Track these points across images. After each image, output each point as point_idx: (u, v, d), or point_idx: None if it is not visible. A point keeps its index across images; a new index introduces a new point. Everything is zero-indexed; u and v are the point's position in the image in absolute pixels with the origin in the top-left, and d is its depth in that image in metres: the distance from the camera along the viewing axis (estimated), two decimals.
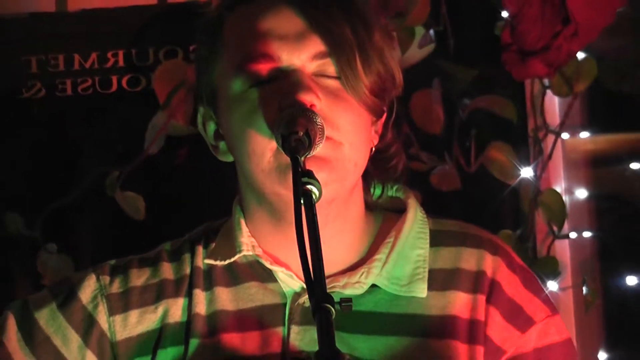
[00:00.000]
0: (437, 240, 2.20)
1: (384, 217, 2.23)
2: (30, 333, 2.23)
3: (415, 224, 2.20)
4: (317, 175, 1.88)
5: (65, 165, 3.56)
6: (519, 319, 2.14)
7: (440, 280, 2.14)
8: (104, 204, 3.33)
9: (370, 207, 2.22)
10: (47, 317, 2.23)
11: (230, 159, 2.20)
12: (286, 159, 1.95)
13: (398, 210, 2.23)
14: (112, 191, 3.30)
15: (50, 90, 3.58)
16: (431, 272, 2.15)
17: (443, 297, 2.14)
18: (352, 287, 2.11)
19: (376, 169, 2.22)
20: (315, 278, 1.72)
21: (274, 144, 2.01)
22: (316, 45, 2.08)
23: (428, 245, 2.19)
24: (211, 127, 2.22)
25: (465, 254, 2.17)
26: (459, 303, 2.13)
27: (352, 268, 2.15)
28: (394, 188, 2.27)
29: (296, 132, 1.94)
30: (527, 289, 2.18)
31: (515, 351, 2.12)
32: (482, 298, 2.13)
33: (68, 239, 3.44)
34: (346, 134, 2.07)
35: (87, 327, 2.21)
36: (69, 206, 3.40)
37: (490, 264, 2.16)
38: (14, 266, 3.58)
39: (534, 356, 2.13)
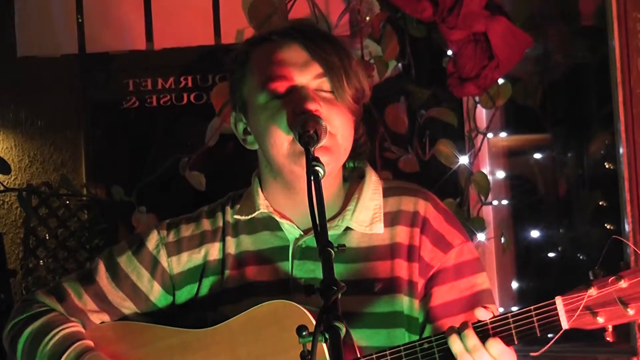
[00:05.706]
0: (386, 193, 2.24)
1: (350, 182, 2.29)
2: (115, 272, 2.29)
3: (372, 184, 2.25)
4: (322, 158, 1.96)
5: (151, 153, 3.70)
6: (442, 244, 2.18)
7: (389, 219, 2.20)
8: (177, 179, 3.43)
9: (344, 177, 2.28)
10: (125, 261, 2.30)
11: (254, 147, 2.23)
12: (299, 148, 2.04)
13: (359, 176, 2.29)
14: (183, 171, 3.41)
15: (141, 103, 3.78)
16: (383, 215, 2.21)
17: (392, 230, 2.19)
18: (333, 229, 2.19)
19: (351, 151, 2.23)
20: (320, 229, 1.82)
21: (290, 137, 2.08)
22: (316, 69, 2.15)
23: (382, 198, 2.23)
24: (240, 126, 2.24)
25: (405, 200, 2.22)
26: (402, 234, 2.19)
27: (333, 217, 2.21)
28: (357, 162, 2.32)
29: (308, 131, 2.01)
30: (448, 223, 2.21)
31: (440, 266, 2.17)
32: (417, 230, 2.18)
33: (153, 203, 3.56)
34: (339, 129, 2.13)
35: (153, 266, 2.28)
36: (154, 181, 3.51)
37: (422, 206, 2.20)
38: (118, 221, 3.74)
39: (453, 269, 2.18)
